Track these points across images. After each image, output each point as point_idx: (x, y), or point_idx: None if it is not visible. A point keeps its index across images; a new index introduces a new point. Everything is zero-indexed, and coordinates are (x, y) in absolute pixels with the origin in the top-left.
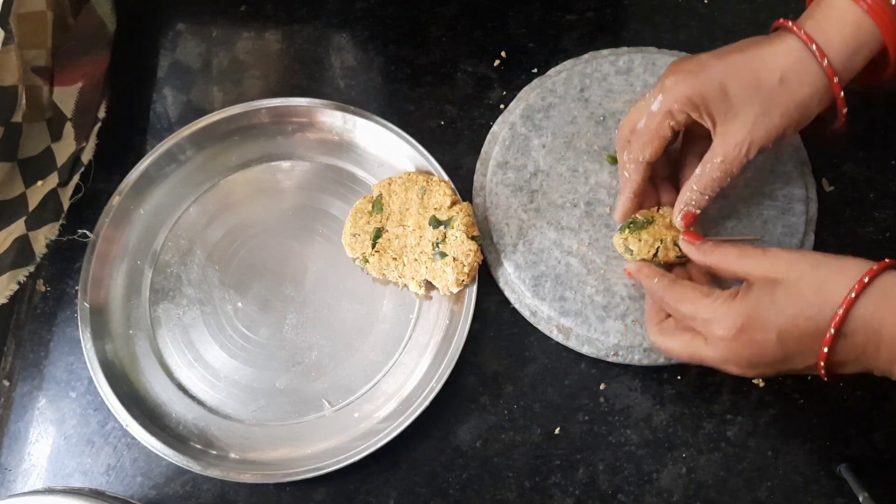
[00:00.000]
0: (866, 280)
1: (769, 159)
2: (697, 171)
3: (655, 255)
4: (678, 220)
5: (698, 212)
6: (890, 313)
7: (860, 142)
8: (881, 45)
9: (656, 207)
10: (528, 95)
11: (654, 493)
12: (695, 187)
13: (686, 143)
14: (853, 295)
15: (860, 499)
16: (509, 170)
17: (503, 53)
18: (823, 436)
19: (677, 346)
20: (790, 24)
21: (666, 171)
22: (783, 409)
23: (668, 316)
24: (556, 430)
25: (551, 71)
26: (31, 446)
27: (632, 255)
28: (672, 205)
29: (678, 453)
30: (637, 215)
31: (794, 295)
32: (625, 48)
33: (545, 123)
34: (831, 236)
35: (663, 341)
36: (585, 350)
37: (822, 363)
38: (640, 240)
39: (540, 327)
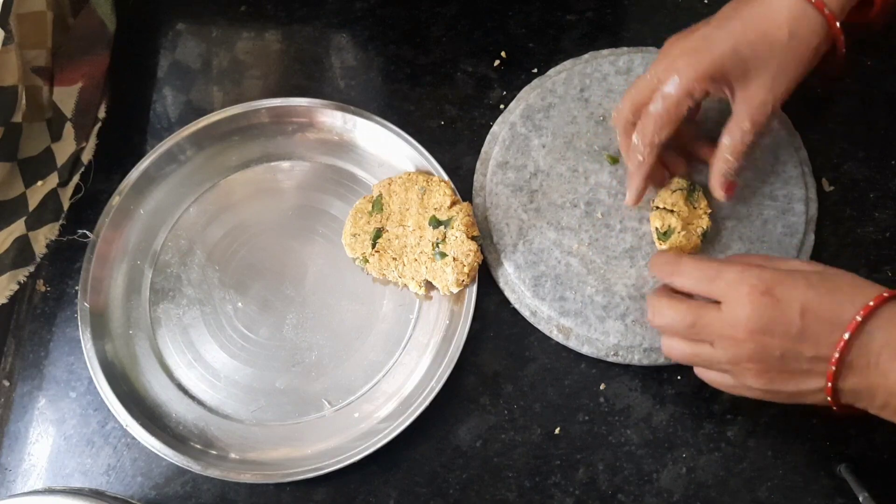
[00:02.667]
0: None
1: (769, 159)
2: (726, 140)
3: (667, 230)
4: (721, 193)
5: (735, 179)
6: None
7: (860, 142)
8: None
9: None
10: (528, 95)
11: (654, 493)
12: (729, 157)
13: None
14: (886, 294)
15: (860, 499)
16: (509, 170)
17: (503, 53)
18: (823, 436)
19: (681, 309)
20: None
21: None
22: (783, 409)
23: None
24: (556, 430)
25: (551, 71)
26: (31, 446)
27: (666, 239)
28: (680, 175)
29: (678, 453)
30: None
31: (829, 280)
32: (625, 48)
33: (545, 123)
34: (831, 236)
35: (667, 303)
36: (585, 350)
37: (838, 354)
38: (661, 218)
39: (540, 327)
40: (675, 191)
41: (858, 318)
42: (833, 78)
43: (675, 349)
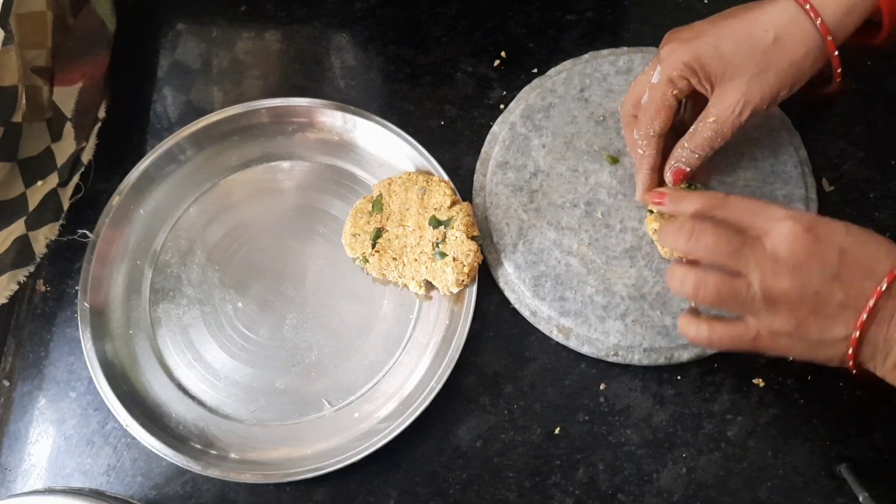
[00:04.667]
0: None
1: (769, 159)
2: (691, 129)
3: None
4: (668, 175)
5: (688, 169)
6: None
7: (860, 142)
8: (875, 6)
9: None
10: (528, 95)
11: (654, 493)
12: (686, 144)
13: (692, 114)
14: None
15: (860, 499)
16: (509, 170)
17: (503, 53)
18: (823, 436)
19: (723, 239)
20: None
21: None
22: (783, 409)
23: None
24: (556, 430)
25: (551, 71)
26: (31, 446)
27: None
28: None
29: (678, 453)
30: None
31: (867, 234)
32: (625, 48)
33: (545, 123)
34: None
35: (709, 233)
36: (585, 350)
37: (865, 316)
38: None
39: (540, 327)
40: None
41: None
42: (831, 92)
43: (710, 284)
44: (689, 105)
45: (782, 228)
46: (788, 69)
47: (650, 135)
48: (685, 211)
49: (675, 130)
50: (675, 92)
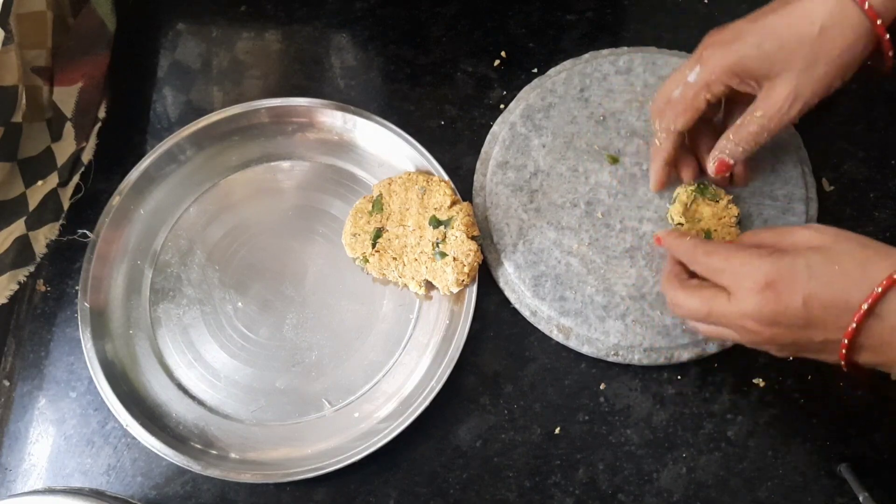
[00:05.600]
0: None
1: (769, 159)
2: (738, 121)
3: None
4: (711, 166)
5: (731, 161)
6: None
7: (860, 142)
8: None
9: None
10: (528, 95)
11: (654, 493)
12: (731, 136)
13: (727, 112)
14: (894, 276)
15: (860, 499)
16: (509, 170)
17: (503, 53)
18: (823, 436)
19: (696, 303)
20: None
21: (710, 144)
22: (783, 409)
23: (691, 276)
24: (557, 430)
25: (551, 71)
26: (31, 446)
27: (673, 221)
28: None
29: (678, 453)
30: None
31: (834, 263)
32: (625, 48)
33: (545, 123)
34: None
35: (682, 296)
36: (585, 350)
37: (847, 340)
38: (683, 215)
39: (540, 327)
40: (687, 199)
41: (865, 308)
42: (882, 74)
43: (700, 330)
44: (724, 104)
45: (743, 288)
46: (838, 59)
47: (671, 129)
48: (674, 255)
49: (712, 131)
50: (708, 96)
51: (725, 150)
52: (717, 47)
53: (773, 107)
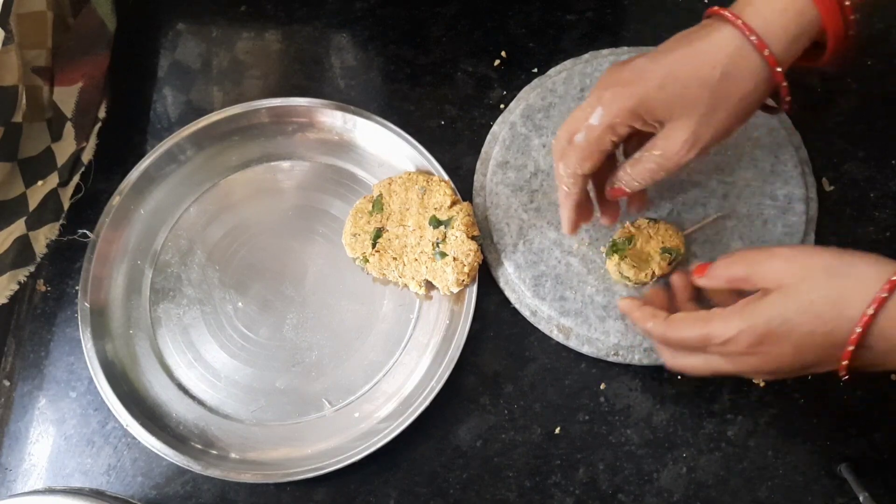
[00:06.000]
0: (884, 296)
1: (769, 159)
2: (637, 154)
3: (652, 275)
4: (608, 191)
5: (628, 190)
6: None
7: (860, 141)
8: (822, 29)
9: (628, 223)
10: (529, 95)
11: (654, 493)
12: (629, 170)
13: (627, 144)
14: (870, 312)
15: (860, 498)
16: (509, 169)
17: (503, 53)
18: (824, 435)
19: (700, 363)
20: (727, 12)
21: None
22: (783, 409)
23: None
24: (557, 430)
25: (551, 71)
26: (31, 446)
27: (630, 281)
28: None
29: (678, 453)
30: (615, 236)
31: (808, 311)
32: (625, 48)
33: (545, 123)
34: (832, 236)
35: (683, 363)
36: (586, 350)
37: (844, 373)
38: (633, 266)
39: (540, 327)
40: (618, 258)
41: (850, 349)
42: (778, 113)
43: (696, 370)
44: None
45: (732, 351)
46: (738, 104)
47: (577, 173)
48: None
49: (611, 163)
50: (613, 138)
51: (622, 181)
52: (619, 88)
53: (671, 148)
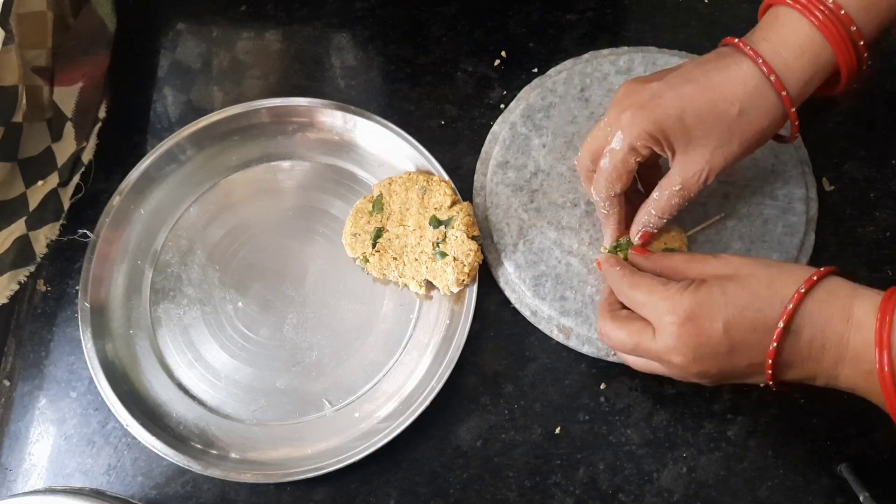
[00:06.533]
0: (815, 279)
1: (769, 159)
2: (655, 194)
3: None
4: (636, 239)
5: (655, 231)
6: (836, 311)
7: (861, 141)
8: (835, 67)
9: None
10: (529, 95)
11: (654, 493)
12: (653, 211)
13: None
14: (802, 290)
15: (861, 498)
16: (510, 169)
17: (503, 53)
18: (824, 435)
19: (623, 335)
20: (747, 47)
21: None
22: (784, 409)
23: (623, 308)
24: (557, 430)
25: (552, 70)
26: (31, 446)
27: None
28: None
29: (679, 453)
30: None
31: (745, 288)
32: (625, 48)
33: (546, 123)
34: (832, 236)
35: (611, 328)
36: (586, 350)
37: (770, 360)
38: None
39: (540, 327)
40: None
41: (781, 326)
42: (787, 142)
43: (629, 362)
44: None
45: (665, 324)
46: (752, 139)
47: (611, 196)
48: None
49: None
50: (637, 158)
51: (649, 224)
52: (636, 110)
53: (689, 179)
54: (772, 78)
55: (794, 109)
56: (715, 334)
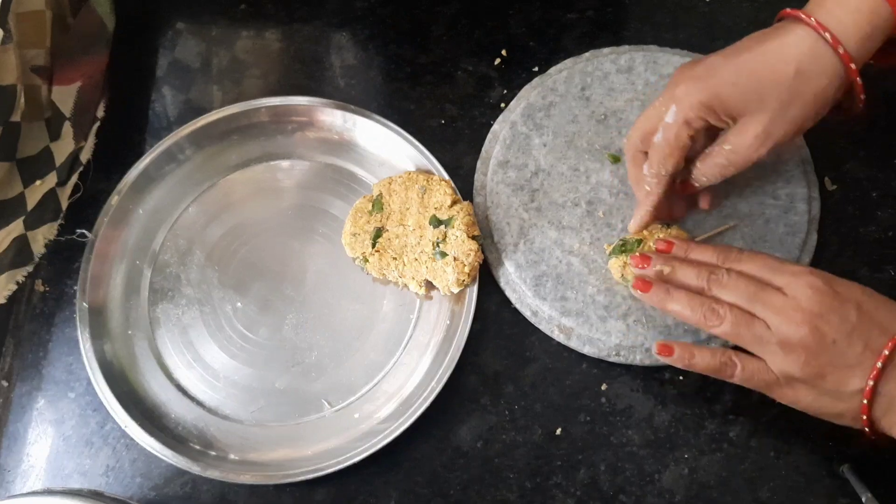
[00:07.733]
0: None
1: (771, 158)
2: (706, 150)
3: None
4: (676, 184)
5: (697, 185)
6: None
7: (862, 141)
8: (895, 26)
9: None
10: (529, 94)
11: (655, 494)
12: (699, 164)
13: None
14: None
15: (863, 499)
16: (510, 169)
17: (504, 52)
18: (825, 436)
19: (747, 280)
20: (800, 13)
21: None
22: (785, 409)
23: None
24: (558, 431)
25: (552, 70)
26: (29, 447)
27: (630, 282)
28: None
29: (680, 453)
30: (626, 236)
31: (881, 296)
32: (626, 47)
33: (546, 122)
34: (833, 235)
35: (712, 319)
36: (587, 350)
37: (880, 364)
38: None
39: (541, 327)
40: (624, 259)
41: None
42: (853, 115)
43: (728, 320)
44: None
45: (802, 281)
46: (812, 101)
47: (661, 174)
48: (699, 259)
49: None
50: (690, 132)
51: (692, 175)
52: (692, 82)
53: (743, 143)
54: (826, 35)
55: (854, 68)
56: (847, 307)
